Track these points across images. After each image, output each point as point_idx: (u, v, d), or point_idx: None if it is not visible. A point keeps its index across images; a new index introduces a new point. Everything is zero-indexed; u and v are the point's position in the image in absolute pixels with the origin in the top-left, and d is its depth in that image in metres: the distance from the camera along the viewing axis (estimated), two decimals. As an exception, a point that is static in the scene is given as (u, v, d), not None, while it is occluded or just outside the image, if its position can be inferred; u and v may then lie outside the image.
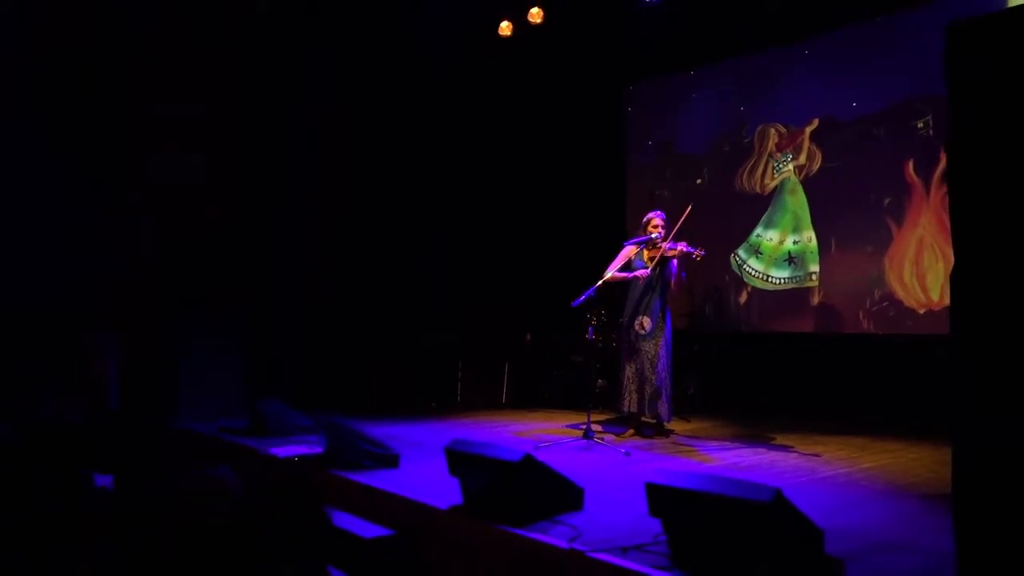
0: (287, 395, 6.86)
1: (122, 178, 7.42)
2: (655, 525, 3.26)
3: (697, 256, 5.76)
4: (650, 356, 5.86)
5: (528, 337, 8.75)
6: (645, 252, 6.06)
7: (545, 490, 3.68)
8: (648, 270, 5.89)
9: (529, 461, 3.60)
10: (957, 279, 2.11)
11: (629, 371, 5.91)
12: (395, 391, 8.36)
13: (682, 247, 5.85)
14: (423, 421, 7.13)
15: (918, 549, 3.27)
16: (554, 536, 3.33)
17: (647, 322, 5.88)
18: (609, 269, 5.97)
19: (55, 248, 7.09)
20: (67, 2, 7.19)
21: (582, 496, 3.83)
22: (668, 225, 6.06)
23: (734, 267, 8.39)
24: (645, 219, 6.18)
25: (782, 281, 8.03)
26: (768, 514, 2.78)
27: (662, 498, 3.09)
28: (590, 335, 5.71)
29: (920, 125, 7.06)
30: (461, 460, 3.90)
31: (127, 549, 2.58)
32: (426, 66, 8.96)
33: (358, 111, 8.77)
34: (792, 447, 5.63)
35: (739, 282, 8.37)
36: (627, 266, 6.05)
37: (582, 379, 7.83)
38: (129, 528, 2.54)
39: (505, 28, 8.51)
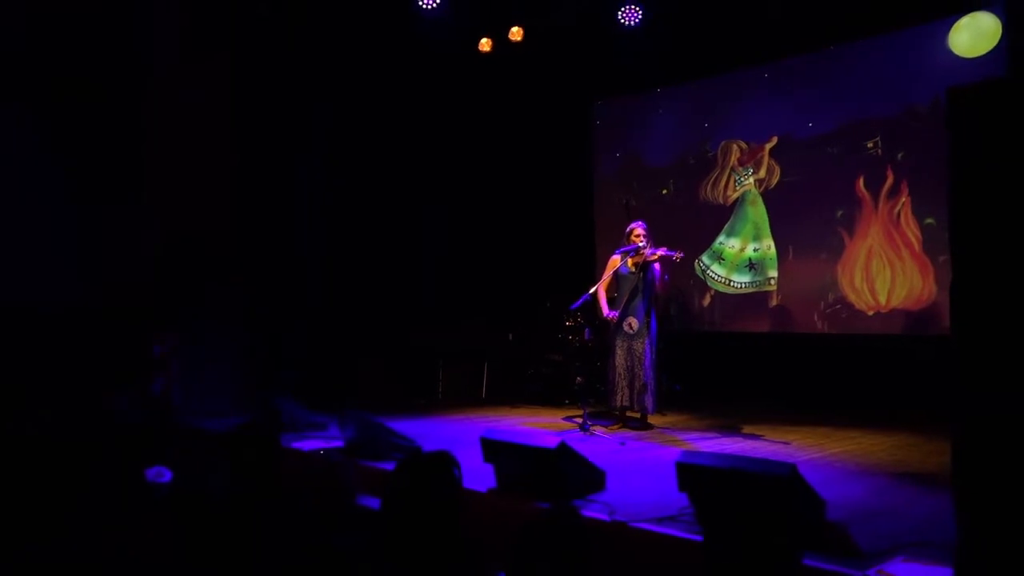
0: (280, 393, 7.13)
1: (126, 177, 7.46)
2: (676, 501, 3.78)
3: (677, 258, 6.39)
4: (638, 354, 6.41)
5: (510, 336, 9.19)
6: (630, 260, 6.60)
7: (576, 473, 4.16)
8: (616, 312, 6.48)
9: (564, 448, 4.07)
10: (956, 293, 2.65)
11: (620, 368, 6.43)
12: (377, 388, 8.67)
13: (662, 252, 6.43)
14: (412, 416, 7.46)
15: (899, 515, 3.88)
16: (593, 511, 3.81)
17: (635, 322, 6.43)
18: (601, 280, 6.57)
19: (80, 247, 7.13)
20: (68, 2, 7.22)
21: (604, 479, 4.32)
22: (648, 234, 6.63)
23: (698, 272, 9.02)
24: (628, 229, 6.73)
25: (743, 285, 8.69)
26: (786, 486, 3.33)
27: (691, 475, 3.60)
28: (587, 336, 6.20)
29: (870, 145, 7.78)
30: (497, 448, 4.35)
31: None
32: (417, 73, 9.21)
33: (357, 114, 8.95)
34: (764, 435, 6.25)
35: (703, 286, 9.00)
36: (615, 274, 6.61)
37: (559, 376, 8.34)
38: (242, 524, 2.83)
39: (485, 44, 8.92)
